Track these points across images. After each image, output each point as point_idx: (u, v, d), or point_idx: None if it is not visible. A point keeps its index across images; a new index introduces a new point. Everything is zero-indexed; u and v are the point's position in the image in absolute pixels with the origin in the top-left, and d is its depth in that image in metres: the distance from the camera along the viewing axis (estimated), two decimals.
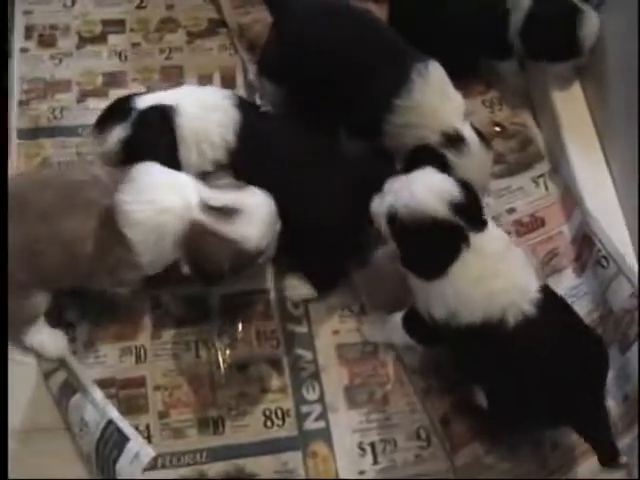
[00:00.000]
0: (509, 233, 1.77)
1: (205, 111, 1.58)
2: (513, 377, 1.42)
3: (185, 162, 1.57)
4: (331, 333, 1.66)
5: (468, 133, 1.64)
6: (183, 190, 1.45)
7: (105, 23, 2.03)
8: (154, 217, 1.42)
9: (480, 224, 1.41)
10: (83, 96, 1.89)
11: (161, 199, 1.43)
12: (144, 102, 1.58)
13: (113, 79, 1.93)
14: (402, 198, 1.41)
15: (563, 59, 1.88)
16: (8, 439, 1.38)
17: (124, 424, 1.49)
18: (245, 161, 1.58)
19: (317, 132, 1.64)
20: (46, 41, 1.98)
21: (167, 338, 1.63)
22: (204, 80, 1.95)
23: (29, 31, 1.99)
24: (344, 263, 1.68)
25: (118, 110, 1.60)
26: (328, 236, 1.56)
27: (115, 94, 1.80)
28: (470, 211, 1.41)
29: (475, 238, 1.40)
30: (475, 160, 1.63)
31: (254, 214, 1.45)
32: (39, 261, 1.44)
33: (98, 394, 1.52)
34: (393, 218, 1.43)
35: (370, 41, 1.68)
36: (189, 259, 1.44)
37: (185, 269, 1.45)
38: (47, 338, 1.57)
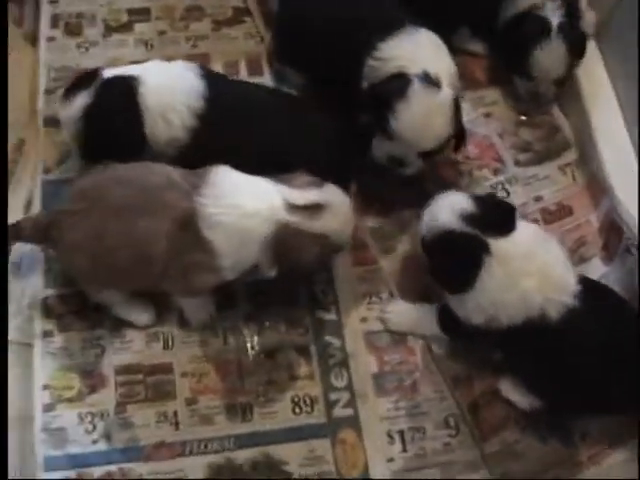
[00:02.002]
0: (536, 221, 1.78)
1: (169, 80, 1.61)
2: (567, 370, 1.42)
3: (151, 132, 1.59)
4: (359, 320, 1.65)
5: (446, 87, 1.61)
6: (266, 193, 1.45)
7: (131, 12, 2.03)
8: (239, 221, 1.42)
9: (501, 230, 1.42)
10: None
11: (246, 203, 1.43)
12: (110, 73, 1.61)
13: None
14: (426, 220, 1.50)
15: (516, 73, 1.89)
16: None
17: None
18: (217, 123, 1.60)
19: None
20: (72, 30, 1.98)
21: None
22: (230, 68, 1.95)
23: (55, 20, 2.00)
24: None
25: (84, 79, 1.62)
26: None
27: None
28: (486, 220, 1.43)
29: (499, 243, 1.41)
30: (435, 105, 1.60)
31: (337, 208, 1.47)
32: (110, 258, 1.45)
33: None
34: (422, 240, 1.52)
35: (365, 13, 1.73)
36: (279, 260, 1.44)
37: (269, 271, 1.45)
38: (133, 311, 1.60)
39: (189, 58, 1.85)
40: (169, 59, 1.78)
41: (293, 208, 1.43)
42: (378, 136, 1.65)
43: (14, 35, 1.90)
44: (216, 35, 2.01)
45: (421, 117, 1.58)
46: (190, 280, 1.46)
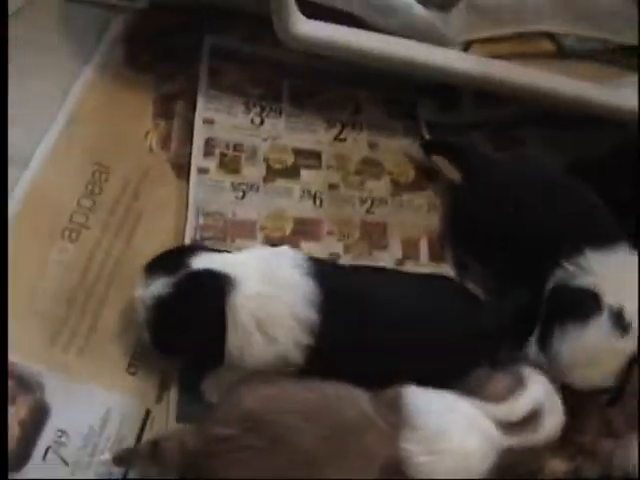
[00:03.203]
0: None
1: (272, 287, 1.29)
2: None
3: (242, 349, 1.28)
4: None
5: (632, 336, 1.38)
6: (474, 419, 1.23)
7: (298, 153, 1.67)
8: (456, 465, 1.20)
9: None
10: (269, 245, 1.48)
11: (459, 443, 1.20)
12: (201, 261, 1.29)
13: (305, 228, 1.57)
14: None
15: None
16: None
17: None
18: (341, 334, 1.29)
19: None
20: (229, 165, 1.61)
21: None
22: (409, 246, 1.61)
23: (209, 147, 1.62)
24: None
25: (170, 259, 1.32)
26: None
27: (307, 247, 1.51)
28: None
29: None
30: (609, 350, 1.38)
31: (551, 401, 1.28)
32: None
33: None
34: None
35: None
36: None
37: None
38: None
39: (363, 225, 1.58)
40: (342, 223, 1.52)
41: (508, 427, 1.23)
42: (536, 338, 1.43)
43: (159, 161, 1.59)
44: (396, 201, 1.66)
45: (585, 353, 1.37)
46: None
